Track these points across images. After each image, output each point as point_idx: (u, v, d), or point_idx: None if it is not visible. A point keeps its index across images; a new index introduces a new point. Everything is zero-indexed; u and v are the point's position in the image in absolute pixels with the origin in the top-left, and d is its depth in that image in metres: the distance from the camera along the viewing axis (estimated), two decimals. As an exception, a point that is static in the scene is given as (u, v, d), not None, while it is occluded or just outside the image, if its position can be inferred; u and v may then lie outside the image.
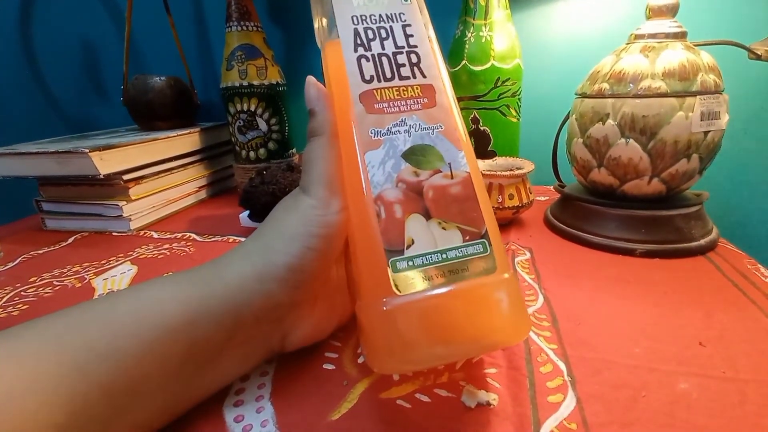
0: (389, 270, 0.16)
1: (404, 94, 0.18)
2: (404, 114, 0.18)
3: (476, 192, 0.18)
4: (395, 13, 0.20)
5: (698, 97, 0.30)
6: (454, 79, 0.45)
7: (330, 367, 0.22)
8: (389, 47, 0.19)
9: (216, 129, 0.61)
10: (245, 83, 0.50)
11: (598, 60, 0.36)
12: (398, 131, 0.18)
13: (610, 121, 0.33)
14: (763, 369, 0.20)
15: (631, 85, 0.32)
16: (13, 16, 0.77)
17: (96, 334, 0.16)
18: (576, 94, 0.37)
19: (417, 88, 0.19)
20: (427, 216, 0.17)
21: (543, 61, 0.54)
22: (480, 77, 0.44)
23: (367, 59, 0.19)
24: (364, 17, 0.19)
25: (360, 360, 0.23)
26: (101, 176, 0.43)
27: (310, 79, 0.20)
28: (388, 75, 0.18)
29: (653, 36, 0.33)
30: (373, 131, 0.18)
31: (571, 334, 0.24)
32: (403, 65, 0.19)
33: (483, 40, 0.43)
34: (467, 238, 0.17)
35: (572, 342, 0.23)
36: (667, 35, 0.32)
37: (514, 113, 0.46)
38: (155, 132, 0.54)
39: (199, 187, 0.57)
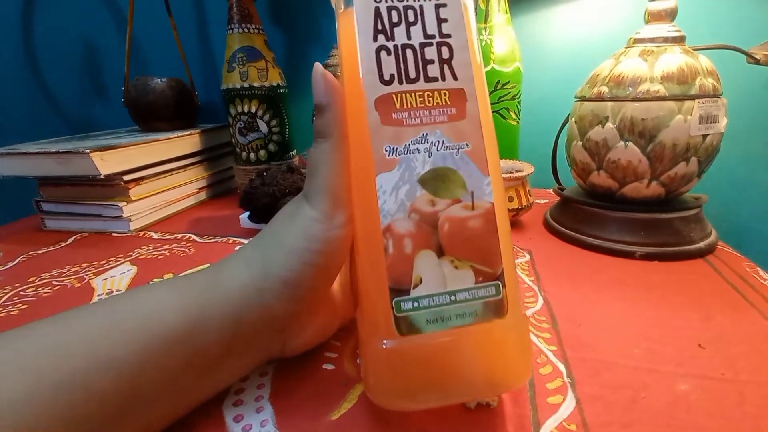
0: (392, 310, 0.15)
1: (429, 102, 0.15)
2: (426, 127, 0.15)
3: (498, 226, 0.16)
4: None
5: (697, 100, 0.31)
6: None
7: (330, 367, 0.22)
8: (416, 36, 0.15)
9: (216, 130, 0.61)
10: (246, 85, 0.51)
11: (597, 63, 0.36)
12: (417, 150, 0.15)
13: (609, 124, 0.33)
14: (761, 370, 0.21)
15: (630, 88, 0.32)
16: (14, 17, 0.77)
17: (97, 342, 0.16)
18: (575, 97, 0.37)
19: (445, 95, 0.16)
20: (440, 253, 0.15)
21: (543, 64, 0.54)
22: (480, 80, 0.44)
23: (389, 52, 0.15)
24: None
25: (359, 360, 0.23)
26: (102, 176, 0.43)
27: (318, 68, 0.17)
28: (412, 75, 0.15)
29: (652, 40, 0.33)
30: (388, 148, 0.15)
31: (571, 335, 0.24)
32: (431, 62, 0.16)
33: (483, 43, 0.44)
34: (480, 279, 0.15)
35: (572, 343, 0.23)
36: (666, 39, 0.33)
37: (514, 116, 0.46)
38: (156, 133, 0.54)
39: (200, 188, 0.57)
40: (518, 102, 0.46)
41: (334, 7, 0.18)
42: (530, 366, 0.17)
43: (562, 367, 0.21)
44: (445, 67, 0.16)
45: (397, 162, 0.15)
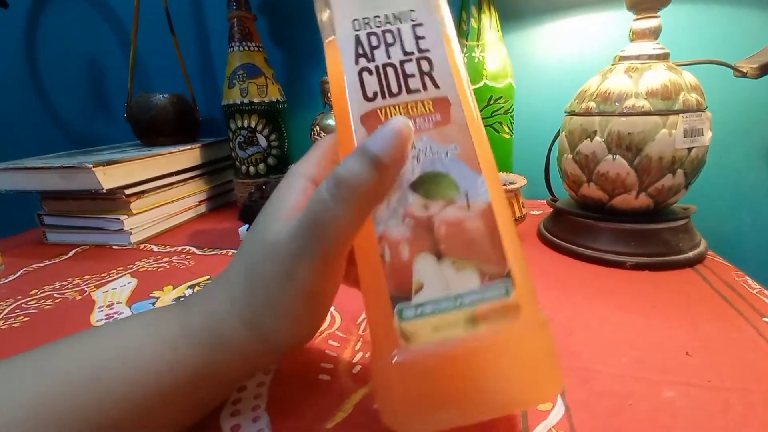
0: (395, 319, 0.15)
1: (413, 112, 0.16)
2: (413, 135, 0.16)
3: (498, 224, 0.15)
4: (404, 12, 0.17)
5: (681, 115, 0.32)
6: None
7: (326, 377, 0.23)
8: (396, 55, 0.16)
9: (217, 145, 0.62)
10: (246, 101, 0.52)
11: (585, 80, 0.38)
12: None
13: (597, 138, 0.34)
14: (747, 378, 0.21)
15: (616, 103, 0.33)
16: (19, 33, 0.79)
17: (91, 405, 0.15)
18: (565, 111, 0.39)
19: (428, 103, 0.16)
20: (439, 255, 0.15)
21: (534, 80, 0.56)
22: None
23: (370, 72, 0.16)
24: (366, 20, 0.16)
25: (355, 371, 0.23)
26: (104, 191, 0.44)
27: (400, 124, 0.15)
28: (395, 89, 0.16)
29: (637, 57, 0.34)
30: None
31: (562, 344, 0.24)
32: (412, 75, 0.16)
33: (476, 60, 0.45)
34: (486, 279, 0.15)
35: (562, 352, 0.23)
36: (650, 57, 0.34)
37: (507, 130, 0.47)
38: (157, 147, 0.56)
39: (199, 201, 0.57)
40: (511, 116, 0.47)
41: (322, 36, 0.18)
42: (560, 377, 0.16)
43: (552, 376, 0.22)
44: (426, 78, 0.16)
45: None
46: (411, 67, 0.16)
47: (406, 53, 0.16)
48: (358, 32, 0.16)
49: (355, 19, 0.16)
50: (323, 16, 0.18)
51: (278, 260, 0.17)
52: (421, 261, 0.15)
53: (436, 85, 0.16)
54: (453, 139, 0.16)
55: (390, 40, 0.16)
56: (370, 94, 0.16)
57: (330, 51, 0.17)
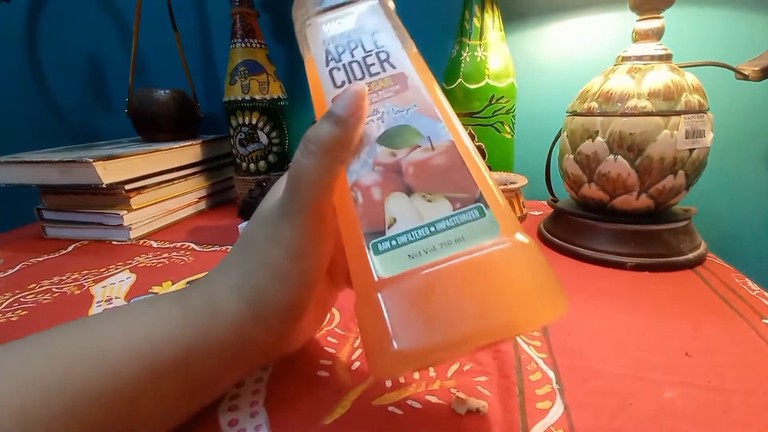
0: (370, 253, 0.15)
1: (375, 87, 0.18)
2: (377, 104, 0.18)
3: (463, 158, 0.16)
4: (363, 26, 0.20)
5: (683, 116, 0.32)
6: (450, 96, 0.47)
7: (324, 374, 0.23)
8: (359, 54, 0.19)
9: (217, 141, 0.62)
10: (247, 97, 0.52)
11: (587, 80, 0.38)
12: (371, 120, 0.17)
13: (599, 138, 0.34)
14: (748, 379, 0.21)
15: (618, 104, 0.33)
16: (20, 27, 0.79)
17: (85, 377, 0.15)
18: (567, 112, 0.39)
19: (388, 79, 0.18)
20: (409, 192, 0.16)
21: (536, 80, 0.56)
22: (475, 95, 0.45)
23: (338, 69, 0.19)
24: (334, 38, 0.20)
25: (354, 367, 0.23)
26: (104, 185, 0.44)
27: (358, 89, 0.18)
28: (359, 76, 0.18)
29: (639, 58, 0.34)
30: None
31: (561, 344, 0.24)
32: (373, 64, 0.19)
33: (478, 59, 0.45)
34: (458, 206, 0.15)
35: (562, 351, 0.24)
36: (653, 57, 0.34)
37: (508, 129, 0.47)
38: (158, 143, 0.55)
39: (199, 198, 0.57)
40: (512, 116, 0.47)
41: (302, 54, 0.21)
42: (563, 297, 0.14)
43: (551, 374, 0.22)
44: (385, 63, 0.19)
45: None
46: (371, 59, 0.19)
47: (366, 51, 0.19)
48: (327, 47, 0.20)
49: (324, 39, 0.20)
50: (305, 57, 0.21)
51: (268, 224, 0.19)
52: (392, 199, 0.16)
53: (393, 66, 0.19)
54: (412, 100, 0.18)
55: (353, 46, 0.19)
56: (338, 83, 0.19)
57: (309, 73, 0.20)
